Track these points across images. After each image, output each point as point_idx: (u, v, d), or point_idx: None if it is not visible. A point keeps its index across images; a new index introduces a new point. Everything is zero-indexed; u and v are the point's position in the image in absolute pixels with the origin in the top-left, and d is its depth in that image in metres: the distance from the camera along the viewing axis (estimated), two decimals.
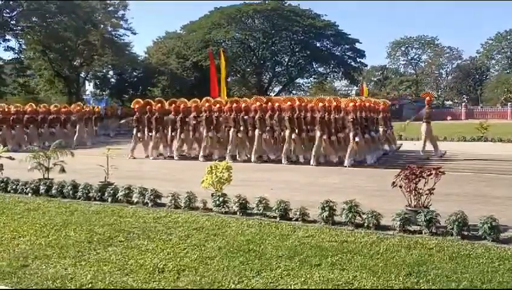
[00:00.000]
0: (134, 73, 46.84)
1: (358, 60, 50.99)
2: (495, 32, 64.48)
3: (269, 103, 12.41)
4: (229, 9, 47.58)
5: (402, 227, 5.05)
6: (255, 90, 54.15)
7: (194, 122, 12.84)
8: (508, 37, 62.00)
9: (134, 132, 13.70)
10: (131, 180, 7.32)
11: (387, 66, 72.67)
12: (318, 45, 50.07)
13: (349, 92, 57.46)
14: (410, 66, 72.98)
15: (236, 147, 12.34)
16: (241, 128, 12.10)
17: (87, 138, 18.29)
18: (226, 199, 6.08)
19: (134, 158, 13.15)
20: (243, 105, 12.50)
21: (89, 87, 51.55)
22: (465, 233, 4.83)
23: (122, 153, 12.58)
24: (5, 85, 39.76)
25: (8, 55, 40.95)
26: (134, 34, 45.68)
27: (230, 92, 41.45)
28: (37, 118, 17.28)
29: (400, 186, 5.36)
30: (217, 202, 6.06)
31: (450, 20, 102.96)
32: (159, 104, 13.67)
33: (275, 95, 57.12)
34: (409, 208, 5.30)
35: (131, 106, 14.23)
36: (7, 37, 38.19)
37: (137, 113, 13.75)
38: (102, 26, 42.43)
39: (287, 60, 52.37)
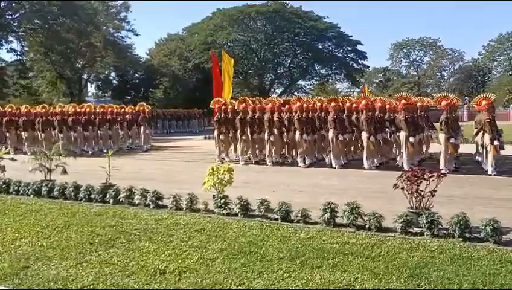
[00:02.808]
0: (136, 74, 46.89)
1: (360, 61, 51.01)
2: (497, 34, 64.49)
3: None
4: (231, 11, 47.67)
5: (404, 229, 5.05)
6: (257, 92, 54.21)
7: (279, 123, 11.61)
8: (511, 38, 61.86)
9: (216, 133, 12.60)
10: (132, 182, 7.33)
11: (389, 68, 72.66)
12: (320, 46, 50.12)
13: (351, 94, 57.41)
14: (412, 68, 72.96)
15: (339, 151, 11.01)
16: (339, 129, 10.88)
17: (145, 140, 16.93)
18: (227, 200, 6.08)
19: (222, 162, 12.11)
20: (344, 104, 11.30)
21: (91, 88, 51.69)
22: (467, 235, 4.82)
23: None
24: (7, 87, 39.83)
25: (11, 57, 41.15)
26: (137, 35, 45.87)
27: (232, 93, 41.47)
28: (95, 119, 15.93)
29: (402, 188, 5.35)
30: (219, 204, 6.07)
31: (452, 22, 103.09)
32: (243, 104, 12.41)
33: (277, 97, 57.14)
34: (411, 210, 5.29)
35: (211, 106, 13.12)
36: (10, 38, 38.34)
37: (217, 114, 12.64)
38: (104, 28, 42.53)
39: (288, 61, 52.43)
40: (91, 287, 3.77)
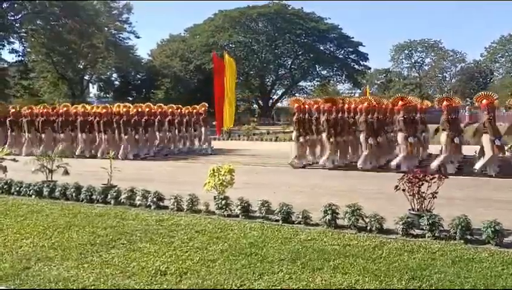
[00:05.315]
0: (138, 75, 47.08)
1: (361, 63, 51.11)
2: (499, 36, 64.36)
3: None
4: (233, 13, 47.79)
5: (405, 231, 5.04)
6: (258, 93, 54.27)
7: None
8: None
9: (294, 135, 11.55)
10: (134, 183, 7.33)
11: (390, 69, 72.56)
12: (321, 47, 50.21)
13: (352, 95, 57.37)
14: (413, 69, 72.85)
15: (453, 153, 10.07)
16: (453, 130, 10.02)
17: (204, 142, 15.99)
18: (228, 201, 6.08)
19: (301, 167, 11.30)
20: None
21: (93, 89, 51.89)
22: (469, 237, 4.81)
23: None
24: (8, 87, 39.92)
25: (12, 58, 41.21)
26: (138, 37, 46.06)
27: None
28: (154, 120, 14.76)
29: (403, 190, 5.35)
30: (220, 205, 6.07)
31: (454, 23, 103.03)
32: (329, 103, 11.23)
33: (278, 98, 57.27)
34: (412, 212, 5.28)
35: (290, 105, 12.51)
36: (11, 39, 38.47)
37: (296, 114, 11.55)
38: (106, 29, 42.68)
39: (290, 62, 52.53)
40: (92, 288, 3.77)
